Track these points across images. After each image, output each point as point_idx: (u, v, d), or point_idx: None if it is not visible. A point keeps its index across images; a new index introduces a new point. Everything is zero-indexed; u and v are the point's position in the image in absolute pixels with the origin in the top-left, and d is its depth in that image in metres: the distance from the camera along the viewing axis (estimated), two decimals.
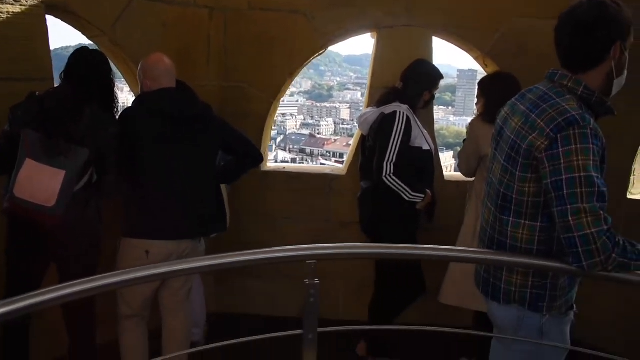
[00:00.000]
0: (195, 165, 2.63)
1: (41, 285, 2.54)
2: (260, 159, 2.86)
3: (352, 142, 4.02)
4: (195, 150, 2.62)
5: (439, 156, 3.55)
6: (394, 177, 2.90)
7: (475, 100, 3.14)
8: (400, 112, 2.98)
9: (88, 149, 2.37)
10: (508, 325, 1.89)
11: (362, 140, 3.28)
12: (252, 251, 1.59)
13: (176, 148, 2.58)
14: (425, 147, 3.07)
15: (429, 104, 3.28)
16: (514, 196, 1.79)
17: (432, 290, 3.26)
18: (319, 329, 1.67)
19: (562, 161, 1.61)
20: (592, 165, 1.60)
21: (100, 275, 1.44)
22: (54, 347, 2.97)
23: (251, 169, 2.90)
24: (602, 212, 1.58)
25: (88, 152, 2.37)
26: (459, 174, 3.36)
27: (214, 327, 3.57)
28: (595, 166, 1.62)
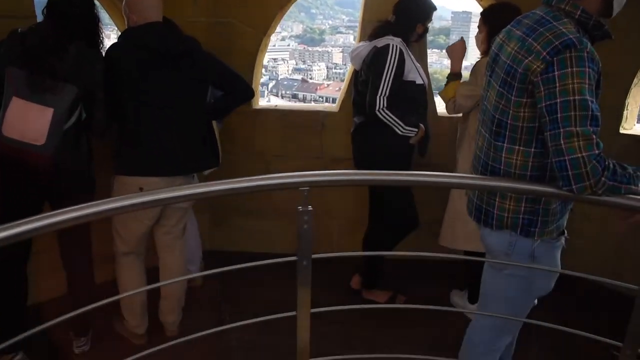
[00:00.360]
0: (184, 100, 2.60)
1: None
2: (251, 93, 2.82)
3: (345, 79, 3.96)
4: (184, 85, 2.57)
5: (432, 91, 3.51)
6: (387, 111, 2.88)
7: (477, 32, 3.04)
8: (393, 45, 2.92)
9: (75, 86, 2.32)
10: (500, 251, 1.92)
11: (355, 75, 3.23)
12: (246, 178, 1.58)
13: (164, 83, 2.54)
14: (419, 81, 3.03)
15: (422, 37, 3.22)
16: (508, 122, 1.78)
17: (425, 227, 3.30)
18: (313, 256, 1.68)
19: (557, 84, 1.60)
20: (587, 89, 1.59)
21: (95, 202, 1.44)
22: (53, 288, 3.01)
23: (242, 104, 2.86)
24: (594, 136, 1.58)
25: (76, 89, 2.32)
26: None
27: (210, 265, 3.61)
28: (590, 90, 1.60)
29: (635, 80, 3.51)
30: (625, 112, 3.59)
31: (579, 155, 1.57)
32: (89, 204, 1.41)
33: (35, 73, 2.26)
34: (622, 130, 3.60)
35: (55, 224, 1.34)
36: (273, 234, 3.80)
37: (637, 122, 3.79)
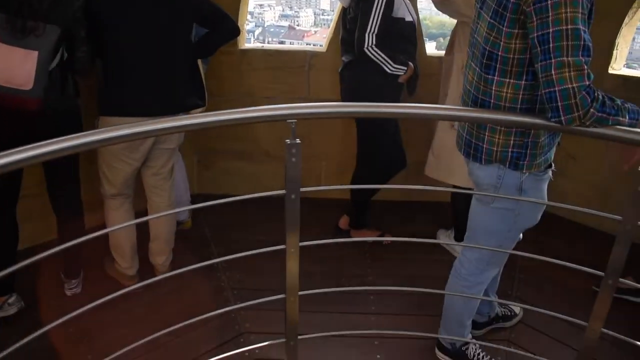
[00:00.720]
0: (168, 37, 2.52)
1: (24, 172, 2.53)
2: (236, 30, 2.74)
3: (333, 18, 3.87)
4: (166, 22, 2.50)
5: (421, 29, 3.44)
6: (376, 49, 2.83)
7: None
8: None
9: (57, 26, 2.25)
10: (488, 184, 1.93)
11: (343, 13, 3.15)
12: (232, 110, 1.56)
13: (147, 20, 2.46)
14: (408, 18, 2.96)
15: None
16: (499, 54, 1.76)
17: (412, 168, 3.30)
18: (302, 189, 1.68)
19: (550, 14, 1.57)
20: (580, 19, 1.57)
21: (84, 133, 1.41)
22: (43, 232, 3.00)
23: (228, 41, 2.79)
24: (585, 67, 1.56)
25: (58, 29, 2.26)
26: (442, 51, 3.29)
27: (198, 208, 3.62)
28: (583, 20, 1.58)
29: (626, 19, 3.46)
30: (614, 52, 3.56)
31: (569, 86, 1.56)
32: (78, 134, 1.39)
33: (13, 15, 2.18)
34: (610, 71, 3.58)
35: (45, 154, 1.32)
36: (262, 177, 3.79)
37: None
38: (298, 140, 1.61)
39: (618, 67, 3.65)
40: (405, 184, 3.81)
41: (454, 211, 3.16)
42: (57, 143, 1.34)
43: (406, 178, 3.38)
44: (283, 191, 1.67)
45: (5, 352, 1.45)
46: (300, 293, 1.86)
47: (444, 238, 3.32)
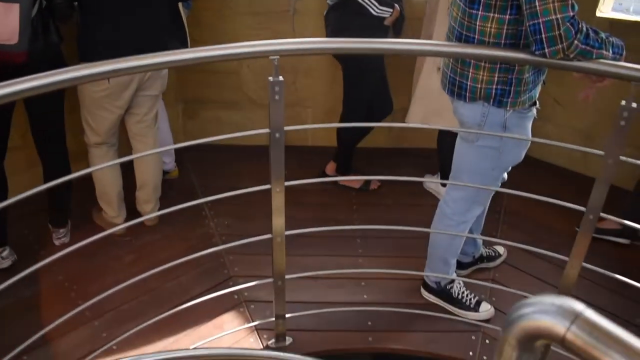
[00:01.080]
0: None
1: (11, 124, 2.50)
2: None
3: None
4: None
5: None
6: None
7: None
8: None
9: None
10: (472, 122, 1.93)
11: None
12: (214, 47, 1.53)
13: None
14: None
15: None
16: None
17: (398, 114, 3.29)
18: (285, 128, 1.68)
19: None
20: None
21: (68, 68, 1.39)
22: (29, 185, 2.97)
23: None
24: None
25: None
26: None
27: (184, 158, 3.61)
28: None
29: None
30: None
31: (553, 17, 1.54)
32: (61, 70, 1.36)
33: None
34: (598, 14, 3.54)
35: (30, 89, 1.30)
36: (248, 126, 3.76)
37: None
38: (281, 78, 1.59)
39: (606, 10, 3.61)
40: (391, 134, 3.82)
41: (440, 156, 3.17)
42: (43, 78, 1.31)
43: (392, 129, 3.37)
44: (267, 130, 1.67)
45: None
46: (286, 233, 1.88)
47: (430, 183, 3.34)
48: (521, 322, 0.58)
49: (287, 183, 1.77)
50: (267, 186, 1.77)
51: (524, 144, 1.99)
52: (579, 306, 0.55)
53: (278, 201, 1.78)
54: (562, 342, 0.54)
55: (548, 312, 0.56)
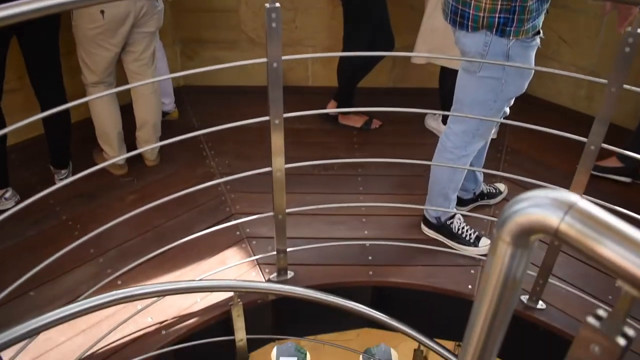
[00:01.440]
0: None
1: (5, 65, 2.46)
2: None
3: None
4: None
5: None
6: None
7: None
8: None
9: None
10: (475, 52, 1.90)
11: None
12: None
13: None
14: None
15: None
16: None
17: (400, 57, 3.23)
18: (283, 57, 1.65)
19: None
20: None
21: None
22: (28, 127, 2.95)
23: None
24: None
25: None
26: None
27: (184, 99, 3.58)
28: None
29: None
30: None
31: None
32: None
33: None
34: None
35: (21, 14, 1.25)
36: (247, 65, 3.70)
37: None
38: (277, 4, 1.55)
39: None
40: (392, 72, 3.76)
41: (442, 94, 3.13)
42: (35, 2, 1.26)
43: (393, 69, 3.31)
44: (264, 59, 1.64)
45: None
46: (286, 166, 1.87)
47: (432, 121, 3.31)
48: (515, 217, 0.58)
49: (285, 115, 1.76)
50: (266, 118, 1.75)
51: (526, 74, 1.95)
52: (574, 197, 0.54)
53: (277, 134, 1.76)
54: (555, 234, 0.54)
55: (542, 205, 0.55)
